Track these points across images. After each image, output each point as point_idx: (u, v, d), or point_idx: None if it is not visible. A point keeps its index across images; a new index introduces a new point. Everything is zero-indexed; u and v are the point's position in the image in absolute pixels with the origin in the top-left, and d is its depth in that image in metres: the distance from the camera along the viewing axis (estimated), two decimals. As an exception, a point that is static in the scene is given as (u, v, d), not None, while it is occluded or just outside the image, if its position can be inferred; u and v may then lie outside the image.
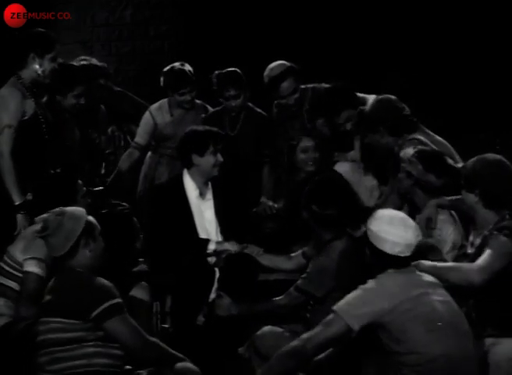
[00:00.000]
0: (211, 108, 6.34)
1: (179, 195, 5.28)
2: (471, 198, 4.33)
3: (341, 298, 4.02)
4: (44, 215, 4.09)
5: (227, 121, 6.17)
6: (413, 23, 7.67)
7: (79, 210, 4.08)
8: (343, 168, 5.76)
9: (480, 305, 4.15)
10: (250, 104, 6.22)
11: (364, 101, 5.76)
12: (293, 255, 5.06)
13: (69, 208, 4.05)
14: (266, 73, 6.06)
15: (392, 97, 5.42)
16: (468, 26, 7.52)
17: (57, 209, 4.05)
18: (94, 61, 6.08)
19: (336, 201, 4.60)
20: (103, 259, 4.08)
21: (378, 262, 3.89)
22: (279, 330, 4.65)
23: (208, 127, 5.43)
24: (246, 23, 8.04)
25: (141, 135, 6.35)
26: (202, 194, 5.33)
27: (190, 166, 5.30)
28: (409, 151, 4.93)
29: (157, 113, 6.30)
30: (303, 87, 6.09)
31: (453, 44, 7.58)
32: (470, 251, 4.34)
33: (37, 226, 4.09)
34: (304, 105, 6.10)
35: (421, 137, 5.23)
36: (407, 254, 3.87)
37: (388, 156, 5.42)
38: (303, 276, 4.61)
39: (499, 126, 6.70)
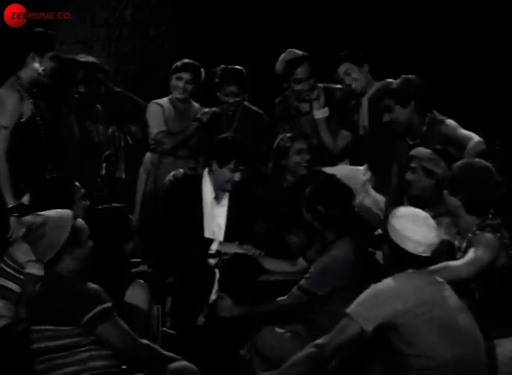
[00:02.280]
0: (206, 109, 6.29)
1: (195, 195, 5.25)
2: (454, 202, 4.34)
3: (344, 297, 4.06)
4: (29, 218, 4.05)
5: (224, 120, 6.15)
6: (413, 23, 7.68)
7: (64, 218, 3.99)
8: (344, 168, 5.75)
9: (478, 307, 4.11)
10: (246, 103, 6.21)
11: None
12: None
13: (53, 216, 3.98)
14: (280, 58, 6.03)
15: (416, 76, 5.40)
16: (468, 27, 7.52)
17: (42, 217, 3.97)
18: (91, 58, 6.08)
19: (340, 201, 4.63)
20: (89, 262, 4.03)
21: (398, 261, 3.84)
22: (280, 330, 4.66)
23: (239, 143, 5.30)
24: (246, 23, 8.04)
25: (161, 124, 6.18)
26: (218, 199, 5.29)
27: (210, 169, 5.29)
28: (424, 150, 4.89)
29: (165, 106, 6.25)
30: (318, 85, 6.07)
31: (453, 44, 7.58)
32: (458, 256, 4.31)
33: (23, 232, 4.05)
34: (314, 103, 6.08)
35: (452, 122, 5.21)
36: (429, 254, 3.82)
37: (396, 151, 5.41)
38: (306, 276, 4.61)
39: (499, 126, 6.69)
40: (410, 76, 5.39)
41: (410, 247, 3.80)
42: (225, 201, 5.29)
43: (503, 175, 5.20)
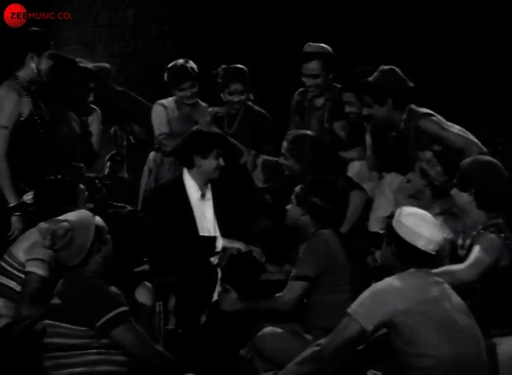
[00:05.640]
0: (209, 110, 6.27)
1: (181, 196, 5.26)
2: (465, 198, 4.34)
3: (334, 286, 4.31)
4: (49, 225, 4.02)
5: (225, 120, 6.14)
6: (413, 20, 7.67)
7: (86, 217, 4.00)
8: (355, 167, 5.75)
9: (481, 306, 4.13)
10: (250, 103, 6.20)
11: None
12: None
13: (76, 219, 3.97)
14: (304, 46, 6.00)
15: (397, 68, 5.38)
16: (469, 23, 7.52)
17: (64, 223, 3.94)
18: (90, 65, 6.07)
19: (334, 197, 4.78)
20: (112, 260, 4.06)
21: (404, 258, 3.83)
22: (279, 331, 4.65)
23: (214, 129, 5.38)
24: (249, 23, 8.03)
25: (163, 125, 6.17)
26: (203, 195, 5.31)
27: (191, 166, 5.28)
28: (427, 152, 4.91)
29: (169, 107, 6.24)
30: (334, 84, 6.04)
31: (454, 40, 7.58)
32: (461, 253, 4.34)
33: (46, 240, 4.03)
34: (328, 102, 6.04)
35: (438, 117, 5.20)
36: (435, 252, 3.82)
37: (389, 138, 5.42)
38: (295, 264, 4.67)
39: (502, 124, 6.68)
40: (387, 68, 5.34)
41: (421, 244, 3.78)
42: (209, 195, 5.32)
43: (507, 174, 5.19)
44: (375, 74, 5.32)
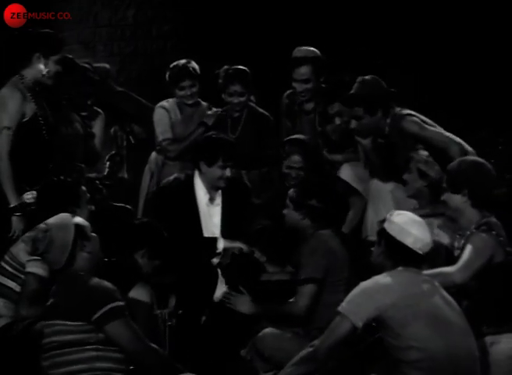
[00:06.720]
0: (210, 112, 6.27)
1: (189, 197, 5.26)
2: (458, 199, 4.37)
3: (335, 287, 4.37)
4: (31, 234, 4.07)
5: (229, 123, 6.13)
6: (413, 19, 7.67)
7: (64, 218, 4.06)
8: (347, 168, 5.75)
9: (476, 304, 4.18)
10: (252, 104, 6.19)
11: None
12: None
13: (53, 221, 4.05)
14: (293, 51, 6.01)
15: (374, 76, 5.40)
16: (469, 23, 7.51)
17: (42, 226, 4.05)
18: (89, 65, 6.08)
19: (330, 197, 4.84)
20: (101, 255, 4.09)
21: (393, 257, 3.90)
22: (279, 331, 4.67)
23: (224, 139, 5.37)
24: (250, 23, 8.03)
25: (167, 131, 6.17)
26: (212, 199, 5.31)
27: (199, 170, 5.29)
28: (422, 152, 4.93)
29: (170, 109, 6.24)
30: (324, 86, 6.04)
31: (454, 40, 7.57)
32: (456, 254, 4.36)
33: (28, 248, 4.09)
34: (319, 105, 6.05)
35: (419, 117, 5.23)
36: (423, 253, 3.89)
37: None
38: (300, 269, 4.68)
39: (502, 124, 6.69)
40: (369, 78, 5.37)
41: (409, 241, 3.87)
42: (219, 200, 5.31)
43: (506, 174, 5.20)
44: (359, 86, 5.36)
